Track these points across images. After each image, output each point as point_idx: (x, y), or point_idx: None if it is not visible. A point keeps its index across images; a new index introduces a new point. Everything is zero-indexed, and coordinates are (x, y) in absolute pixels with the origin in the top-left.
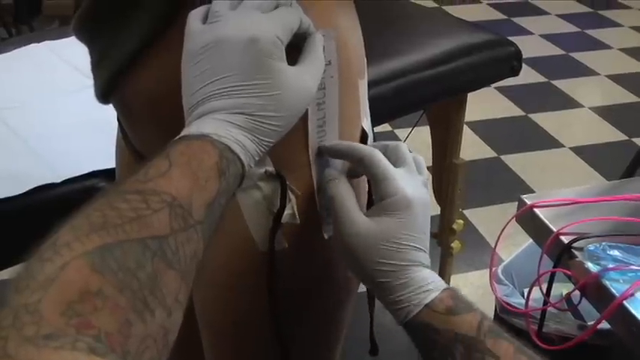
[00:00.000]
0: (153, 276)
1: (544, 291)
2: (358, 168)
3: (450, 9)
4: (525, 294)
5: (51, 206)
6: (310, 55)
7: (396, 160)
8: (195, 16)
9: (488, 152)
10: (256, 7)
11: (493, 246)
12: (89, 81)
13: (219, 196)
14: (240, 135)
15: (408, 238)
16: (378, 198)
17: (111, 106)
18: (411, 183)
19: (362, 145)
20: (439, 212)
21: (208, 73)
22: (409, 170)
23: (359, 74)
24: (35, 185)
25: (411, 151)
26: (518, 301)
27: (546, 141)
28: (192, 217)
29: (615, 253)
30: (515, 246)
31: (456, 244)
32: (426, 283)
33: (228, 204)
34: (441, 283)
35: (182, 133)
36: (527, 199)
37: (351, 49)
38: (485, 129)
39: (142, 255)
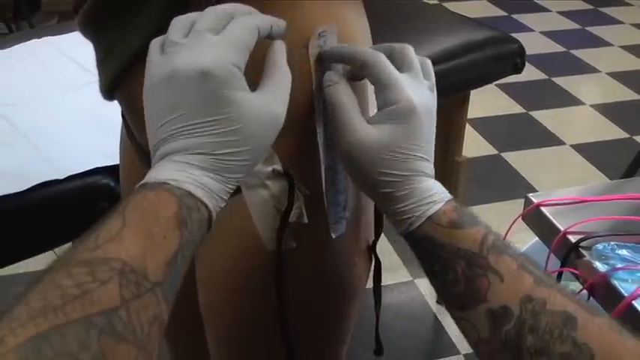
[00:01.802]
0: (99, 355)
1: None
2: (360, 72)
3: (450, 5)
4: None
5: (54, 203)
6: (274, 73)
7: (402, 65)
8: (155, 44)
9: (488, 149)
10: (208, 29)
11: None
12: (92, 77)
13: (181, 249)
14: (204, 177)
15: (412, 148)
16: (381, 104)
17: (114, 102)
18: (417, 89)
19: (365, 49)
20: None
21: (165, 110)
22: (415, 75)
23: None
24: (38, 182)
25: None
26: None
27: (547, 138)
28: (149, 280)
29: (624, 252)
30: (518, 243)
31: None
32: (430, 194)
33: (198, 249)
34: (445, 195)
35: (143, 181)
36: (534, 197)
37: (359, 42)
38: (486, 126)
39: (85, 335)
